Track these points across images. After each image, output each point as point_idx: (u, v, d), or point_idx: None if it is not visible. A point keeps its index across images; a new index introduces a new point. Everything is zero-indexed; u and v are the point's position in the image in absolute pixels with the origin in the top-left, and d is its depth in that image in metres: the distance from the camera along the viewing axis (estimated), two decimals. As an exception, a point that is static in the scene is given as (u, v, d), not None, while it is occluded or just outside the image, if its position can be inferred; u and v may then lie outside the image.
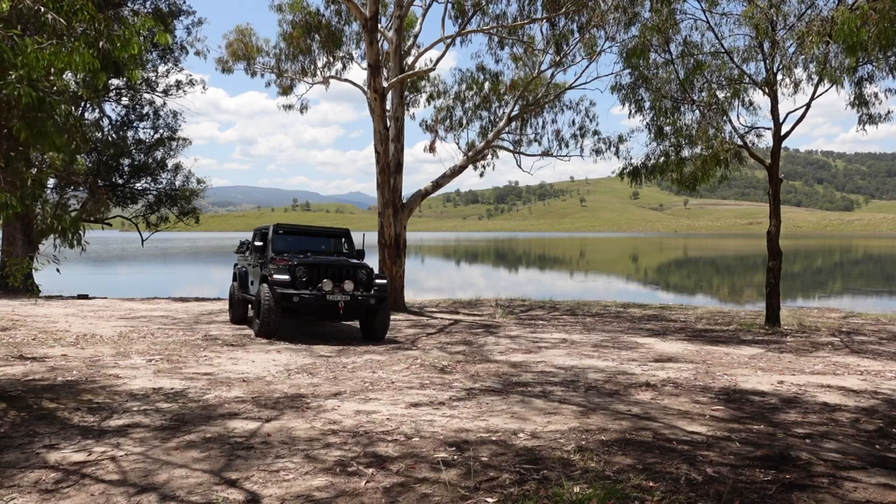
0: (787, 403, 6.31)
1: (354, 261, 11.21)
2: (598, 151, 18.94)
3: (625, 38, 15.49)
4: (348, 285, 10.38)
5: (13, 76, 5.01)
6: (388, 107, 16.28)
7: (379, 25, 16.15)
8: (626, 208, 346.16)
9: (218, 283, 28.24)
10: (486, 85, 19.64)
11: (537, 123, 19.67)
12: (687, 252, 73.25)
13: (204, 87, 22.96)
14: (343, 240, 12.56)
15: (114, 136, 21.11)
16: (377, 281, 10.80)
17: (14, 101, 5.11)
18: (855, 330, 12.81)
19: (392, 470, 4.14)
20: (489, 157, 19.99)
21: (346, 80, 19.55)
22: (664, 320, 14.34)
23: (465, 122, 20.03)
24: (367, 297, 10.44)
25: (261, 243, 11.71)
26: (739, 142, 13.33)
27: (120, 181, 21.97)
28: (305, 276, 10.38)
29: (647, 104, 13.94)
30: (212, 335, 10.61)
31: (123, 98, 21.79)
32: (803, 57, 12.01)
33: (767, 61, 12.79)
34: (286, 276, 10.27)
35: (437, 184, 17.71)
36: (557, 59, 18.26)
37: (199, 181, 23.19)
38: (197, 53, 21.90)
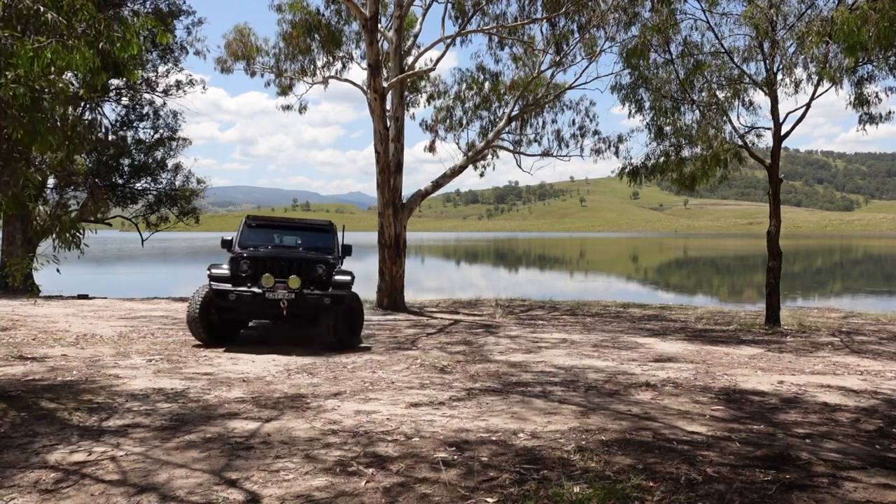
0: (787, 403, 6.31)
1: (312, 255, 9.79)
2: (598, 151, 18.95)
3: (625, 38, 15.51)
4: (294, 281, 8.97)
5: (9, 76, 5.01)
6: (388, 107, 16.27)
7: (379, 25, 16.14)
8: (626, 208, 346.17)
9: (218, 283, 28.18)
10: (486, 85, 19.65)
11: (537, 123, 19.68)
12: (687, 252, 73.24)
13: (204, 87, 22.95)
14: (327, 234, 11.02)
15: (113, 136, 21.11)
16: (336, 278, 9.42)
17: (10, 101, 5.11)
18: (855, 330, 12.81)
19: (392, 470, 4.14)
20: (489, 157, 20.00)
21: (345, 80, 19.55)
22: (664, 320, 14.34)
23: (465, 122, 20.03)
24: (320, 295, 9.06)
25: (230, 238, 10.52)
26: (739, 142, 13.33)
27: (120, 181, 21.97)
28: (248, 271, 9.18)
29: (647, 104, 13.94)
30: (212, 335, 10.59)
31: (123, 98, 21.80)
32: (803, 57, 12.00)
33: (767, 61, 12.80)
34: (224, 271, 9.16)
35: (437, 184, 17.71)
36: (557, 59, 18.26)
37: (199, 181, 23.19)
38: (197, 53, 21.93)
